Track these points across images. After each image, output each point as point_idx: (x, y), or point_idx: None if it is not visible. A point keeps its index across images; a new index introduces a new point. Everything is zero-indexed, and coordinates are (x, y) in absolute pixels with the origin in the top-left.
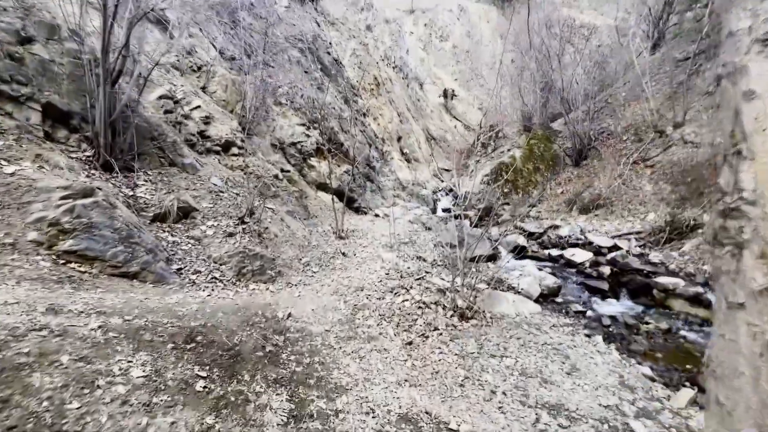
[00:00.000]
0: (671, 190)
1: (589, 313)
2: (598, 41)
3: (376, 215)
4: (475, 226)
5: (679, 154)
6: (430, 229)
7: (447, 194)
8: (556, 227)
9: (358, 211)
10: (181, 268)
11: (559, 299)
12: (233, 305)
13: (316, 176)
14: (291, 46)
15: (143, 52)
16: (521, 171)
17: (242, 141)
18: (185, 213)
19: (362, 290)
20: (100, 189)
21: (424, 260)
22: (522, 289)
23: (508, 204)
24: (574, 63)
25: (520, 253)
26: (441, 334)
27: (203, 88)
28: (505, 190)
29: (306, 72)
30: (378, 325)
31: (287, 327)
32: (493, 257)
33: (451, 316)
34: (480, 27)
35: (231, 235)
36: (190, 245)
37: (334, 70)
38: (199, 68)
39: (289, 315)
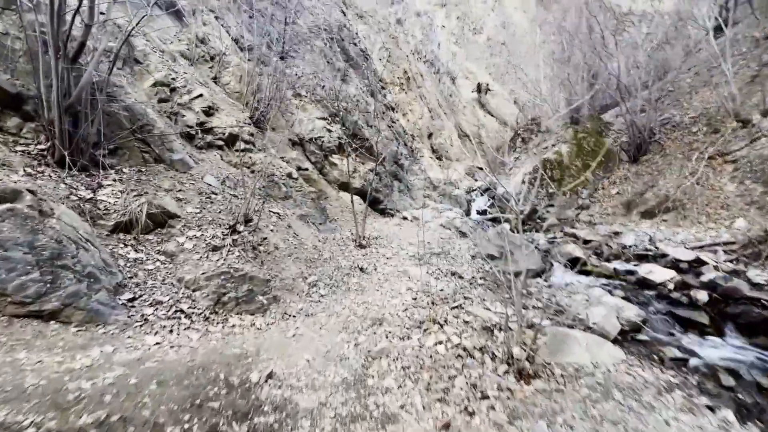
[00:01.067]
0: (764, 190)
1: (693, 361)
2: (648, 28)
3: (404, 218)
4: (516, 231)
5: None
6: (465, 235)
7: (482, 194)
8: (617, 234)
9: (383, 213)
10: (134, 298)
11: (642, 336)
12: (185, 363)
13: (338, 175)
14: (314, 36)
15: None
16: (568, 168)
17: (250, 135)
18: (161, 221)
19: (381, 324)
20: (31, 192)
21: (461, 277)
22: (594, 323)
23: (553, 206)
24: (630, 46)
25: (578, 268)
26: (493, 407)
27: (215, 79)
28: (550, 190)
29: (329, 62)
30: (399, 387)
31: (260, 402)
32: (542, 272)
33: (505, 372)
34: (516, 18)
35: (216, 249)
36: (158, 263)
37: (361, 61)
38: (212, 58)
39: (270, 375)
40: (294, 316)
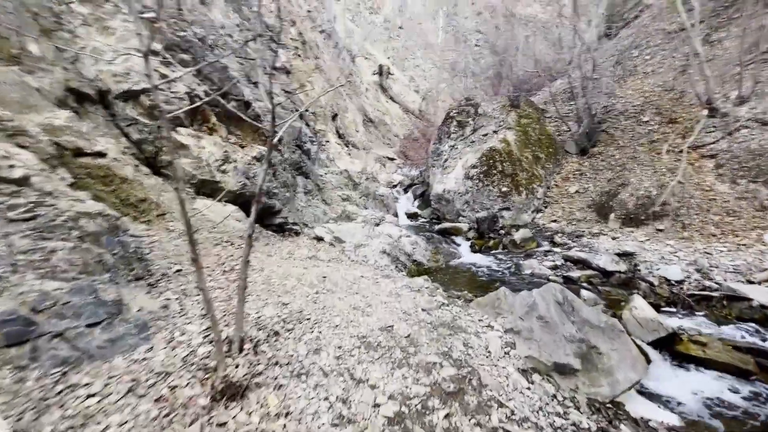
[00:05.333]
0: None
1: None
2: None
3: (318, 238)
4: (481, 249)
5: (760, 140)
6: (422, 267)
7: (405, 192)
8: (628, 255)
9: (282, 230)
10: None
11: None
12: None
13: (192, 165)
14: None
15: None
16: (520, 161)
17: None
18: None
19: None
20: None
21: None
22: None
23: (508, 209)
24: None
25: (669, 347)
26: None
27: None
28: (503, 189)
29: None
30: None
31: None
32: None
33: None
34: (412, 2)
35: None
36: None
37: None
38: None
39: None
40: None
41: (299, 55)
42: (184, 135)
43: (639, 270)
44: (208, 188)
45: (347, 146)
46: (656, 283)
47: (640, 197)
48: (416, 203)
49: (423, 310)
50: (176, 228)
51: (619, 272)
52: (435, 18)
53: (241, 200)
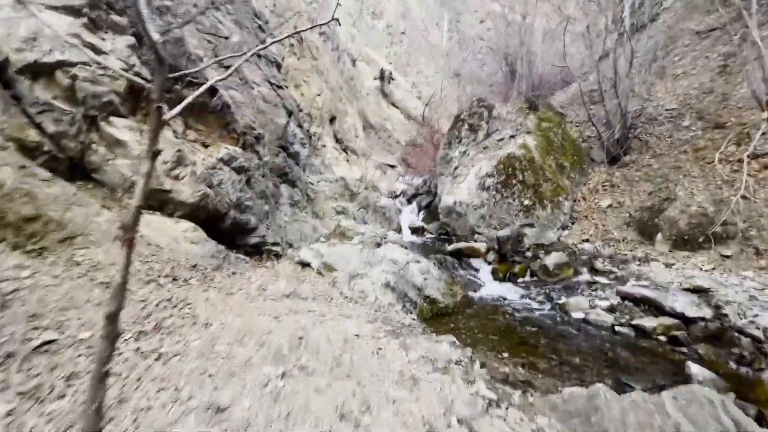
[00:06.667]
0: None
1: None
2: None
3: (303, 264)
4: (506, 277)
5: None
6: (441, 311)
7: (408, 202)
8: (704, 292)
9: (260, 252)
10: None
11: None
12: None
13: (131, 169)
14: None
15: None
16: (542, 169)
17: None
18: None
19: None
20: None
21: None
22: None
23: (531, 225)
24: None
25: None
26: None
27: None
28: (525, 201)
29: None
30: None
31: None
32: None
33: None
34: (415, 10)
35: None
36: None
37: None
38: None
39: None
40: None
41: (295, 53)
42: (119, 128)
43: (726, 315)
44: (155, 199)
45: (345, 152)
46: (762, 337)
47: (694, 215)
48: (421, 215)
49: (459, 421)
50: (85, 259)
51: (704, 319)
52: (439, 23)
53: (203, 215)
